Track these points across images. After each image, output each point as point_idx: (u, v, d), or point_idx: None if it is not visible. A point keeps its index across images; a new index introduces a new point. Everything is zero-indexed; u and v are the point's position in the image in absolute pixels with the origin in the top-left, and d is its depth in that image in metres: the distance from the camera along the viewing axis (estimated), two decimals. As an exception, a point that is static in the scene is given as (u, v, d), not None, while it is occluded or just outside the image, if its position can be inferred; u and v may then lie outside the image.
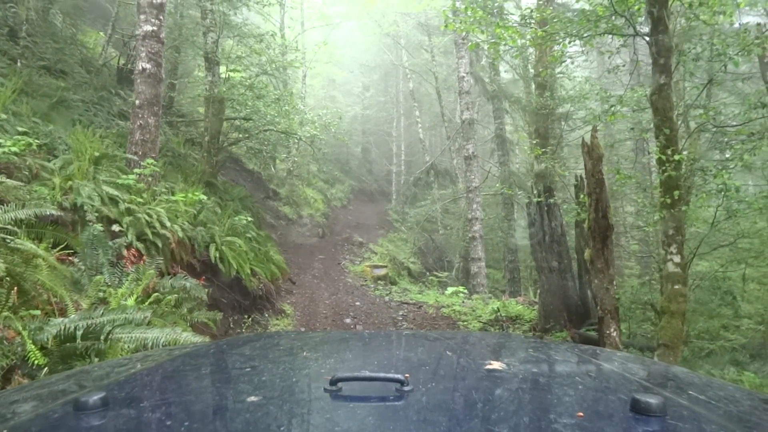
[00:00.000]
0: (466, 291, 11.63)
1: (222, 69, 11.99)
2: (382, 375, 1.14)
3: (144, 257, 5.55)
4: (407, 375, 1.12)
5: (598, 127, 5.62)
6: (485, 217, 15.15)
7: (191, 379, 1.39)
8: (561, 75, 13.17)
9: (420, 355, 1.68)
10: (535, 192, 7.66)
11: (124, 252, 5.81)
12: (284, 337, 2.04)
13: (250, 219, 9.21)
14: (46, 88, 9.90)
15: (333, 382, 1.09)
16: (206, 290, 7.55)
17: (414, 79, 25.69)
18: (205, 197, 8.26)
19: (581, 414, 1.02)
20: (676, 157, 4.91)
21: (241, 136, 12.97)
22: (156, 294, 4.94)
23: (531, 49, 14.83)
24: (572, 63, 13.66)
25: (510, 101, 13.84)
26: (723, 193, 5.18)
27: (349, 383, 1.11)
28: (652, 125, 9.34)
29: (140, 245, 6.50)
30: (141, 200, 6.98)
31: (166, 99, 16.02)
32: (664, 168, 5.25)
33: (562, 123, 14.47)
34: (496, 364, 1.39)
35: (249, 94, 10.98)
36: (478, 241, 13.00)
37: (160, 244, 6.66)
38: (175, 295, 5.14)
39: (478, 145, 15.95)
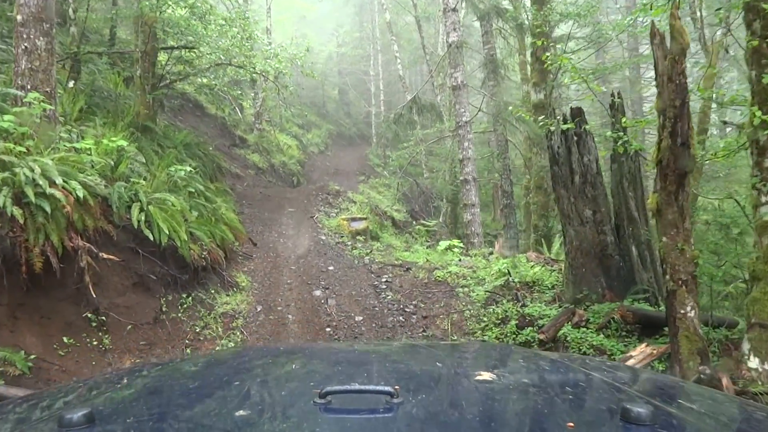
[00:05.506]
0: (461, 245, 9.96)
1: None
2: (371, 387, 1.14)
3: None
4: (397, 387, 1.07)
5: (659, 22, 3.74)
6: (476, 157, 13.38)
7: (178, 394, 1.34)
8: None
9: (410, 366, 1.63)
10: (559, 117, 5.83)
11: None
12: (273, 350, 2.13)
13: (191, 168, 7.35)
14: None
15: (323, 395, 1.06)
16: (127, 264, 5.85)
17: (391, 9, 23.37)
18: (125, 143, 6.39)
19: (572, 424, 0.99)
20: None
21: (188, 70, 10.86)
22: None
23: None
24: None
25: (503, 18, 11.82)
26: None
27: (339, 396, 1.08)
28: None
29: (18, 212, 4.71)
30: (23, 149, 5.13)
31: (109, 34, 13.76)
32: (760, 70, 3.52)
33: (560, 46, 12.58)
34: (486, 375, 1.36)
35: (188, 14, 8.83)
36: (471, 185, 11.28)
37: (48, 209, 4.85)
38: None
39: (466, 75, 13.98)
